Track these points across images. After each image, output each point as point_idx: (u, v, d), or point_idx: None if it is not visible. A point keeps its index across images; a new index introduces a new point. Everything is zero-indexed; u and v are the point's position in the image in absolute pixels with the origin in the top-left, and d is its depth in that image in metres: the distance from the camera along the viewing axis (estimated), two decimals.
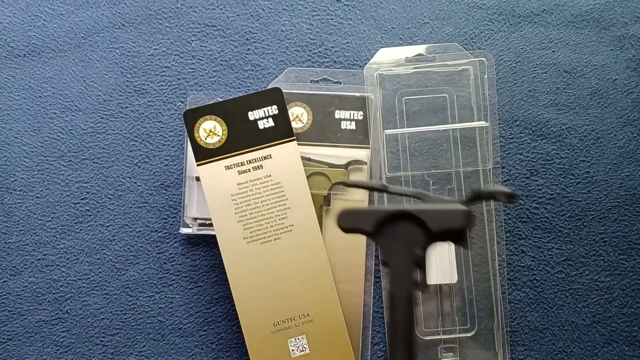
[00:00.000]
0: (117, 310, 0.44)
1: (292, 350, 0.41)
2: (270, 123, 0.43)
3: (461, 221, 0.27)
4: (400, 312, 0.27)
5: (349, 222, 0.29)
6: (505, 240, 0.44)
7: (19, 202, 0.45)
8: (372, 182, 0.30)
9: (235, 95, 0.44)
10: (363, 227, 0.28)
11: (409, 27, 0.46)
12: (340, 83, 0.45)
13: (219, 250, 0.42)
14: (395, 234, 0.28)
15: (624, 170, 0.44)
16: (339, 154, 0.44)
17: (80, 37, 0.47)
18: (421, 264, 0.27)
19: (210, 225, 0.43)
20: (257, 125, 0.42)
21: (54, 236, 0.45)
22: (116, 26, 0.47)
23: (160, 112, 0.46)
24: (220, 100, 0.43)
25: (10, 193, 0.45)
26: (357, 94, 0.44)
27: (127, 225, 0.45)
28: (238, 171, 0.42)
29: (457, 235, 0.27)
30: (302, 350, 0.41)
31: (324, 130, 0.44)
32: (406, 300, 0.27)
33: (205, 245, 0.45)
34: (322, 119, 0.44)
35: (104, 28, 0.47)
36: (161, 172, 0.45)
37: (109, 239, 0.45)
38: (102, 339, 0.44)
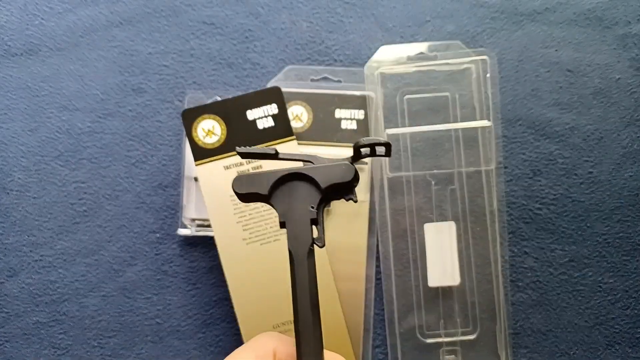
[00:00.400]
0: (114, 312, 0.44)
1: None
2: (269, 122, 0.42)
3: (345, 174, 0.29)
4: (303, 268, 0.29)
5: (244, 187, 0.30)
6: (508, 242, 0.44)
7: (15, 203, 0.45)
8: (264, 148, 0.31)
9: (234, 94, 0.44)
10: (257, 190, 0.29)
11: (410, 25, 0.46)
12: (341, 82, 0.45)
13: (217, 251, 0.41)
14: (289, 194, 0.29)
15: (627, 170, 0.44)
16: (340, 154, 0.44)
17: (78, 36, 0.47)
18: (316, 220, 0.29)
19: (209, 226, 0.43)
20: (256, 124, 0.42)
21: (50, 237, 0.45)
22: (114, 24, 0.47)
23: (158, 111, 0.46)
24: (219, 99, 0.43)
25: (7, 193, 0.45)
26: (358, 93, 0.44)
27: (124, 226, 0.45)
28: (237, 171, 0.42)
29: (345, 189, 0.30)
30: None
31: (324, 130, 0.44)
32: (307, 257, 0.29)
33: (204, 246, 0.44)
34: (322, 118, 0.44)
35: (102, 26, 0.47)
36: (159, 172, 0.45)
37: (106, 240, 0.45)
38: (100, 340, 0.44)
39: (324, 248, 0.42)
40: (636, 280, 0.43)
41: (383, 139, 0.29)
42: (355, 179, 0.30)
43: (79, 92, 0.46)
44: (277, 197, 0.29)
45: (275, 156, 0.31)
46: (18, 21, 0.47)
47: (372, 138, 0.29)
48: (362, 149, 0.30)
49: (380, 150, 0.30)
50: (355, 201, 0.30)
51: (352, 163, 0.30)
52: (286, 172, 0.29)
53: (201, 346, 0.44)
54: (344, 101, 0.44)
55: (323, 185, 0.29)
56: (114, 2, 0.47)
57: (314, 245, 0.29)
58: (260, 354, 0.30)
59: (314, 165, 0.30)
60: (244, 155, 0.31)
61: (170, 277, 0.44)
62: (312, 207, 0.29)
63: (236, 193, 0.30)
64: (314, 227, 0.29)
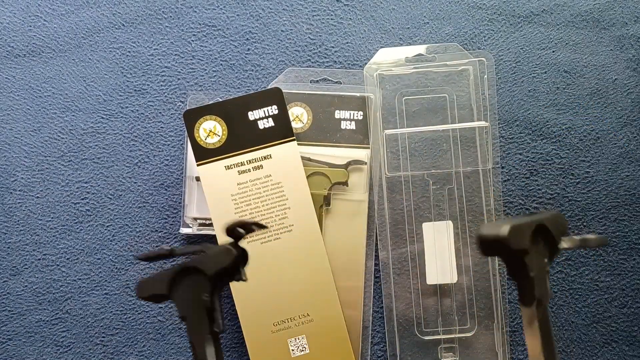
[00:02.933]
0: (117, 310, 0.44)
1: (292, 350, 0.41)
2: (270, 123, 0.42)
3: (224, 259, 0.29)
4: (203, 357, 0.29)
5: (145, 290, 0.31)
6: None
7: (19, 202, 0.45)
8: (159, 250, 0.33)
9: (236, 95, 0.44)
10: (158, 291, 0.30)
11: (408, 27, 0.46)
12: (340, 83, 0.45)
13: None
14: (185, 289, 0.30)
15: (623, 170, 0.44)
16: (339, 154, 0.44)
17: (81, 37, 0.47)
18: (211, 308, 0.29)
19: (211, 225, 0.43)
20: (257, 125, 0.42)
21: (54, 236, 0.45)
22: (116, 26, 0.47)
23: (160, 112, 0.46)
24: (221, 100, 0.43)
25: (11, 193, 0.45)
26: (357, 94, 0.44)
27: (127, 225, 0.45)
28: (238, 171, 0.42)
29: (232, 272, 0.30)
30: (302, 350, 0.41)
31: (323, 130, 0.44)
32: (206, 345, 0.29)
33: None
34: (322, 119, 0.44)
35: (104, 28, 0.47)
36: (161, 172, 0.45)
37: (109, 238, 0.45)
38: (102, 338, 0.44)
39: (324, 246, 0.42)
40: (632, 278, 0.43)
41: (235, 220, 0.30)
42: (236, 262, 0.29)
43: (81, 93, 0.46)
44: (175, 293, 0.30)
45: (171, 255, 0.32)
46: (21, 23, 0.47)
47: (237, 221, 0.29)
48: (233, 230, 0.30)
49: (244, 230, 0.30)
50: (244, 280, 0.30)
51: (234, 245, 0.30)
52: (177, 269, 0.30)
53: None
54: (344, 102, 0.44)
55: (209, 272, 0.29)
56: (116, 4, 0.47)
57: (214, 331, 0.30)
58: None
59: (197, 256, 0.30)
60: (143, 260, 0.32)
61: None
62: (206, 297, 0.29)
63: (139, 297, 0.31)
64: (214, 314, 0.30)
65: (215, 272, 0.29)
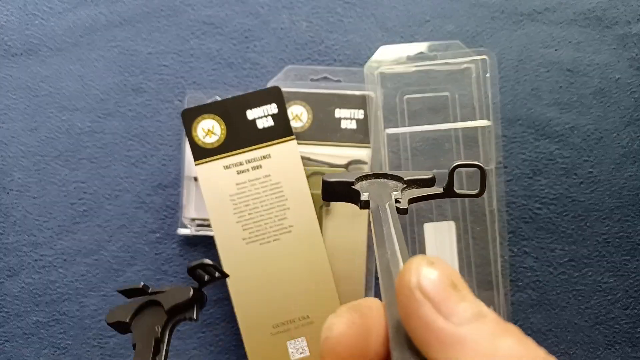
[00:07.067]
0: None
1: (292, 352, 0.41)
2: (269, 122, 0.42)
3: (182, 296, 0.31)
4: None
5: (111, 317, 0.32)
6: (508, 241, 0.44)
7: (15, 202, 0.45)
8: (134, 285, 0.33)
9: (234, 94, 0.43)
10: (120, 319, 0.32)
11: (410, 25, 0.46)
12: (341, 81, 0.45)
13: (217, 251, 0.41)
14: (143, 319, 0.31)
15: (627, 170, 0.44)
16: (339, 154, 0.44)
17: (78, 36, 0.47)
18: (159, 339, 0.30)
19: (209, 226, 0.43)
20: (256, 124, 0.42)
21: (50, 237, 0.45)
22: (114, 24, 0.47)
23: (158, 111, 0.46)
24: (219, 99, 0.43)
25: (7, 193, 0.45)
26: (358, 93, 0.44)
27: (124, 225, 0.45)
28: (237, 171, 0.42)
29: (185, 309, 0.31)
30: (302, 353, 0.41)
31: (324, 130, 0.44)
32: None
33: (204, 246, 0.44)
34: (322, 118, 0.44)
35: (102, 26, 0.47)
36: (159, 172, 0.45)
37: (106, 239, 0.44)
38: (100, 340, 0.44)
39: (324, 246, 0.42)
40: (636, 279, 0.43)
41: (208, 260, 0.30)
42: (192, 301, 0.31)
43: (78, 92, 0.46)
44: (135, 323, 0.31)
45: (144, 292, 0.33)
46: (18, 21, 0.47)
47: (199, 261, 0.30)
48: (195, 272, 0.31)
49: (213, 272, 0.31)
50: (195, 320, 0.32)
51: (199, 288, 0.31)
52: (141, 302, 0.32)
53: (201, 346, 0.43)
54: (344, 101, 0.44)
55: (166, 306, 0.31)
56: (114, 2, 0.47)
57: None
58: None
59: (160, 291, 0.32)
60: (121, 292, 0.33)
61: (170, 276, 0.44)
62: (157, 328, 0.31)
63: (107, 323, 0.32)
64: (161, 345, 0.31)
65: (171, 307, 0.31)
